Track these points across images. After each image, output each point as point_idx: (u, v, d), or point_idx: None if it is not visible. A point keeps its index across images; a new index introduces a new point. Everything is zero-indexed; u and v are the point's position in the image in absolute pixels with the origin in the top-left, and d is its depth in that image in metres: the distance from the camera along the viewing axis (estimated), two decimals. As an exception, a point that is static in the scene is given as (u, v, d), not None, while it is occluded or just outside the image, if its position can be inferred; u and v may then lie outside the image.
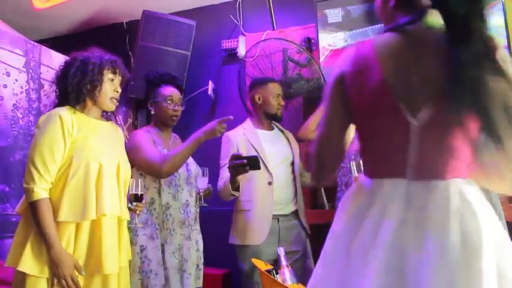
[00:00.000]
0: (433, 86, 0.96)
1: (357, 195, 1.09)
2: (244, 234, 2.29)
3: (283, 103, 2.49)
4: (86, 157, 1.68)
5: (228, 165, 2.12)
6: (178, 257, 2.12)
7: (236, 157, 2.07)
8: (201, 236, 2.31)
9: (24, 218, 1.69)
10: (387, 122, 1.02)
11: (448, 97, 0.93)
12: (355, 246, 1.00)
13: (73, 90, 1.75)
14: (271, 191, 2.30)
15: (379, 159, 1.07)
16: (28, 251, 1.59)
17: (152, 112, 2.31)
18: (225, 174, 2.26)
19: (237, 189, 2.20)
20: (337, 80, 1.10)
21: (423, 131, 0.98)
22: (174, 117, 2.29)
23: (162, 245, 2.10)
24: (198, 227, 2.31)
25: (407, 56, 1.00)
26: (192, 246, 2.19)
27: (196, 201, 2.29)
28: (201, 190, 2.25)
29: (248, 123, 2.50)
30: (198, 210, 2.32)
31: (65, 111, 1.72)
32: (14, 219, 2.72)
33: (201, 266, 2.27)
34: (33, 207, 1.62)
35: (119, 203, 1.76)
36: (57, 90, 1.83)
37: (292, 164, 2.44)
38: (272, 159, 2.36)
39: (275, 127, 2.56)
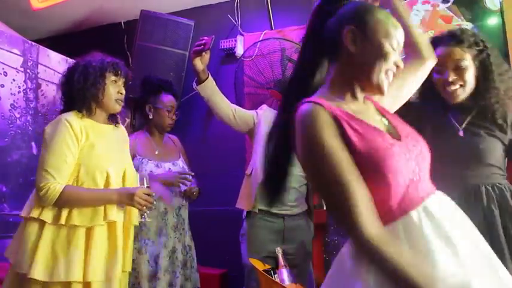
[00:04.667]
0: None
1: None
2: (242, 198, 2.39)
3: None
4: (93, 166, 1.72)
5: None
6: (152, 264, 2.20)
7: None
8: (182, 243, 2.35)
9: (28, 223, 1.68)
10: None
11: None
12: None
13: (77, 95, 1.79)
14: None
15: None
16: (39, 257, 1.59)
17: (150, 117, 2.38)
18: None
19: (202, 81, 2.27)
20: None
21: None
22: (171, 125, 2.43)
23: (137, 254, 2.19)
24: (177, 235, 2.33)
25: None
26: (165, 254, 2.25)
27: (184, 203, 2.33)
28: (183, 188, 2.27)
29: None
30: (180, 219, 2.35)
31: (72, 117, 1.75)
32: (11, 220, 2.72)
33: (185, 271, 2.34)
34: (62, 201, 1.63)
35: (125, 209, 1.78)
36: (62, 97, 1.87)
37: None
38: None
39: None
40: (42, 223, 1.64)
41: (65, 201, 1.63)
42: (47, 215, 1.64)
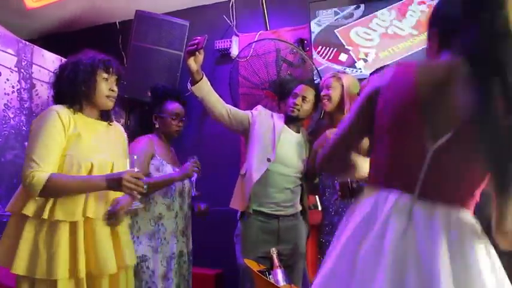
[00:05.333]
0: (459, 116, 0.98)
1: (362, 205, 1.10)
2: (236, 198, 2.41)
3: (300, 105, 2.44)
4: (78, 157, 1.69)
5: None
6: (164, 264, 2.24)
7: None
8: (188, 248, 2.40)
9: (14, 217, 1.68)
10: (408, 139, 1.05)
11: (472, 129, 0.96)
12: (360, 255, 1.01)
13: (68, 92, 1.76)
14: (264, 167, 2.33)
15: (390, 171, 1.09)
16: (21, 252, 1.57)
17: (156, 126, 2.42)
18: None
19: (196, 81, 2.27)
20: (371, 92, 1.13)
21: (439, 155, 1.00)
22: (178, 132, 2.44)
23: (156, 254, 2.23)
24: (185, 239, 2.38)
25: (442, 83, 1.02)
26: (176, 256, 2.29)
27: (188, 201, 2.38)
28: (195, 177, 2.29)
29: (281, 116, 2.52)
30: (188, 224, 2.41)
31: (62, 108, 1.73)
32: (5, 220, 2.70)
33: (188, 275, 2.39)
34: (48, 189, 1.58)
35: (105, 203, 1.75)
36: (53, 95, 1.84)
37: (300, 172, 2.45)
38: (283, 158, 2.38)
39: (301, 132, 2.55)
40: (25, 217, 1.61)
41: (51, 189, 1.58)
42: (29, 209, 1.61)
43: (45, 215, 1.60)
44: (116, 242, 1.77)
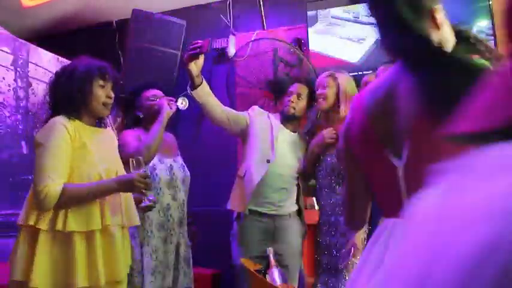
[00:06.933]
0: (409, 121, 0.95)
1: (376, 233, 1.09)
2: (234, 199, 2.40)
3: (296, 103, 2.45)
4: (86, 166, 1.70)
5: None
6: (154, 259, 2.21)
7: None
8: (186, 239, 2.36)
9: (24, 231, 1.65)
10: (380, 169, 1.03)
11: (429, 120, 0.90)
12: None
13: (65, 100, 1.76)
14: (264, 168, 2.33)
15: (382, 202, 1.09)
16: (38, 265, 1.57)
17: (141, 115, 2.36)
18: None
19: (196, 86, 2.24)
20: (343, 135, 1.13)
21: (407, 170, 0.97)
22: (158, 111, 2.26)
23: (141, 247, 2.20)
24: (182, 230, 2.35)
25: (383, 99, 1.01)
26: (168, 249, 2.25)
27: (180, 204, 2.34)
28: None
29: (277, 116, 2.52)
30: (183, 215, 2.36)
31: (64, 119, 1.72)
32: (0, 220, 2.70)
33: (185, 268, 2.34)
34: (62, 201, 1.61)
35: (120, 210, 1.77)
36: (49, 102, 1.84)
37: (297, 172, 2.45)
38: (280, 158, 2.38)
39: (298, 132, 2.54)
40: (38, 230, 1.61)
41: (65, 200, 1.61)
42: (43, 222, 1.61)
43: (59, 227, 1.60)
44: (123, 246, 1.80)
